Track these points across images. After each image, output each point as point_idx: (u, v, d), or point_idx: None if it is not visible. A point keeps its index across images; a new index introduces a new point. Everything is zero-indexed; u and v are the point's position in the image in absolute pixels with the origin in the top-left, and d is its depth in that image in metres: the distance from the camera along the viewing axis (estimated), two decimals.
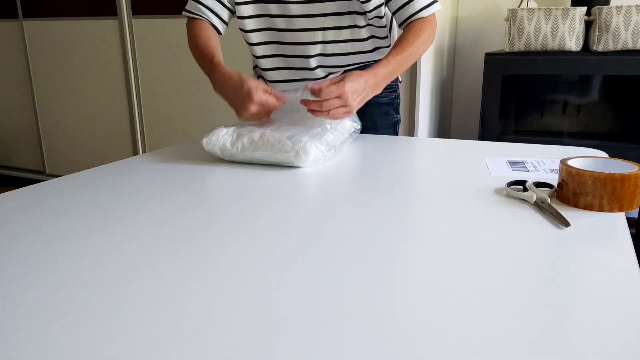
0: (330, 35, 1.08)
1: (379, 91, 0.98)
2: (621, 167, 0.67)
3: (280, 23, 1.07)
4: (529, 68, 1.98)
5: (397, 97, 1.25)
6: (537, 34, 1.94)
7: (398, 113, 1.26)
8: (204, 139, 0.88)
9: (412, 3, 1.04)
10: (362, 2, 1.03)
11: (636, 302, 0.42)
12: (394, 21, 1.12)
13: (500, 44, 2.40)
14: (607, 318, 0.40)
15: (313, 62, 1.11)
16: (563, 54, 1.94)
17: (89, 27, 2.87)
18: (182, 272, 0.49)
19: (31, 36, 3.07)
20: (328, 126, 0.92)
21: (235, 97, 0.91)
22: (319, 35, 1.07)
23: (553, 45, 1.94)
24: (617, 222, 0.60)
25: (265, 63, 1.15)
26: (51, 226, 0.61)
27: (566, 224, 0.59)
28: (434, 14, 1.07)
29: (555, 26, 1.92)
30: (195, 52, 1.07)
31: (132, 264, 0.51)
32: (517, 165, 0.85)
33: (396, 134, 1.26)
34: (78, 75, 3.00)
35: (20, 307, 0.43)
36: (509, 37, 2.00)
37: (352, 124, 0.99)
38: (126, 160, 0.94)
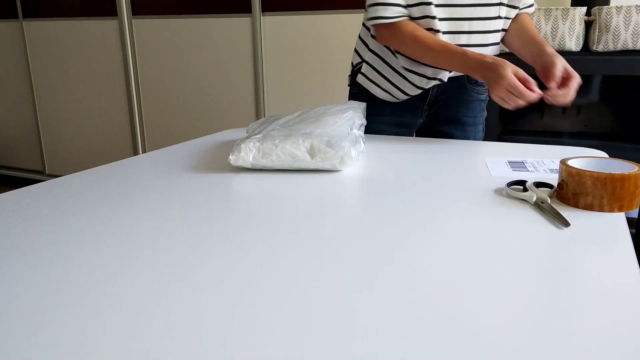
0: (478, 25, 1.11)
1: None
2: (621, 167, 0.67)
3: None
4: (528, 68, 1.98)
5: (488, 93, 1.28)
6: None
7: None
8: (231, 157, 0.84)
9: None
10: None
11: (636, 302, 0.42)
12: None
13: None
14: (607, 318, 0.40)
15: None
16: (563, 54, 1.94)
17: (89, 27, 2.87)
18: (184, 274, 0.49)
19: (31, 36, 3.07)
20: (349, 126, 0.92)
21: (492, 80, 0.96)
22: (465, 25, 1.11)
23: (553, 45, 1.94)
24: (617, 222, 0.60)
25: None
26: (51, 226, 0.61)
27: (566, 224, 0.59)
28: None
29: (555, 26, 1.92)
30: (431, 51, 1.07)
31: (133, 264, 0.51)
32: (517, 165, 0.85)
33: (484, 130, 1.30)
34: (78, 75, 3.00)
35: (20, 307, 0.43)
36: None
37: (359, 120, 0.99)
38: (126, 160, 0.94)
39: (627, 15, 1.83)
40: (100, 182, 0.80)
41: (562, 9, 1.91)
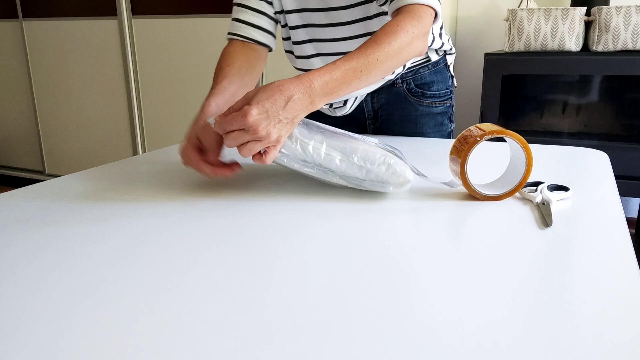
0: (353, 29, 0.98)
1: (316, 108, 0.69)
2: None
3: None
4: (528, 68, 1.98)
5: (452, 104, 1.15)
6: (536, 34, 1.94)
7: (452, 122, 1.15)
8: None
9: None
10: None
11: (636, 302, 0.42)
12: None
13: (500, 44, 2.40)
14: (606, 318, 0.40)
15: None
16: (563, 54, 1.94)
17: (89, 27, 2.87)
18: (185, 273, 0.49)
19: (31, 36, 3.07)
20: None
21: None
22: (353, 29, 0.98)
23: (553, 45, 1.94)
24: (617, 222, 0.60)
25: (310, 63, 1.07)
26: (51, 226, 0.61)
27: (547, 224, 0.59)
28: (427, 6, 0.81)
29: (555, 26, 1.92)
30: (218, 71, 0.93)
31: (132, 264, 0.51)
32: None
33: None
34: (78, 75, 3.00)
35: (19, 307, 0.43)
36: (509, 37, 2.00)
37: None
38: (126, 160, 0.94)
39: (627, 16, 1.84)
40: (100, 182, 0.80)
41: (562, 9, 1.91)
